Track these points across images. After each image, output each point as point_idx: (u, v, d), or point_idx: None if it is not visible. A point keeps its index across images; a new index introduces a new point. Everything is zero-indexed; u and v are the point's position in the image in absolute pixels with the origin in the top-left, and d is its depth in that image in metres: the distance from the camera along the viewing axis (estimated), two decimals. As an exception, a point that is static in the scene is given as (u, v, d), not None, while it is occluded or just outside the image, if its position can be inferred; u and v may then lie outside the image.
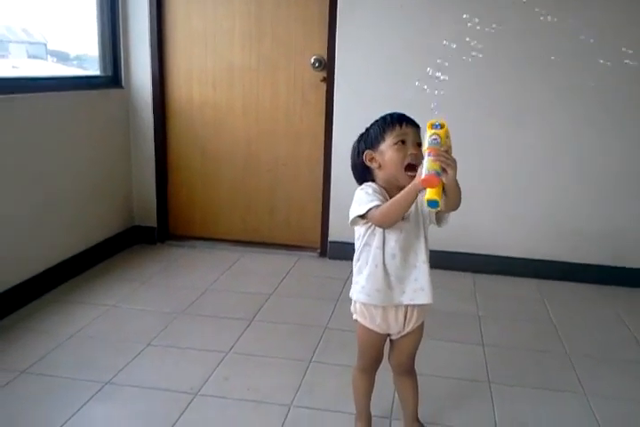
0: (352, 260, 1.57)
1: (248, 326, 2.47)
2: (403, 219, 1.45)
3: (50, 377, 2.01)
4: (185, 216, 3.55)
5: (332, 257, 3.32)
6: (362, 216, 1.45)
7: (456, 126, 3.15)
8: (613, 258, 3.08)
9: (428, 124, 1.34)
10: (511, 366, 2.20)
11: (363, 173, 1.53)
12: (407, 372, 1.67)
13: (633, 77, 2.86)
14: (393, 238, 1.48)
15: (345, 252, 3.10)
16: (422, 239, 1.51)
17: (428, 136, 1.33)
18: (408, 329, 1.57)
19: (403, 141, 1.43)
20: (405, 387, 1.70)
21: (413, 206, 1.44)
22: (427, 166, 1.29)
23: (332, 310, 2.65)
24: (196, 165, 3.45)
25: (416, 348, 1.63)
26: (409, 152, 1.43)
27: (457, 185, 1.36)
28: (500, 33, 2.90)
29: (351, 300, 1.59)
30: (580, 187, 3.04)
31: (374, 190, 1.47)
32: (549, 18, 2.84)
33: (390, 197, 1.42)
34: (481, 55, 2.94)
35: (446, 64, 2.97)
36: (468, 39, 2.92)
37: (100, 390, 1.95)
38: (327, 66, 3.12)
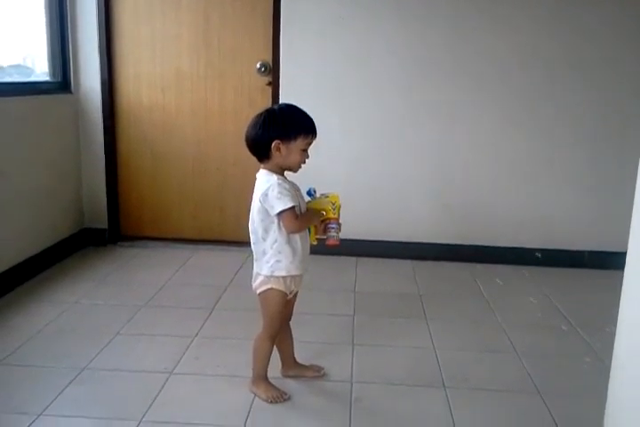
0: None
1: (210, 314, 2.62)
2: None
3: (27, 367, 2.11)
4: (135, 216, 3.64)
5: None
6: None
7: (396, 127, 3.35)
8: (543, 241, 3.44)
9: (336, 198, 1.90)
10: (454, 336, 2.48)
11: (262, 151, 1.82)
12: (289, 320, 2.06)
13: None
14: None
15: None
16: None
17: (337, 207, 1.89)
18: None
19: (307, 149, 1.82)
20: (287, 332, 2.06)
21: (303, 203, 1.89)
22: (335, 235, 1.90)
23: (286, 296, 2.84)
24: (146, 165, 3.56)
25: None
26: (306, 157, 1.84)
27: None
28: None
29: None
30: (505, 180, 3.40)
31: (286, 187, 1.79)
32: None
33: None
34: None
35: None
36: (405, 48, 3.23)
37: (77, 375, 2.06)
38: (272, 71, 3.33)
